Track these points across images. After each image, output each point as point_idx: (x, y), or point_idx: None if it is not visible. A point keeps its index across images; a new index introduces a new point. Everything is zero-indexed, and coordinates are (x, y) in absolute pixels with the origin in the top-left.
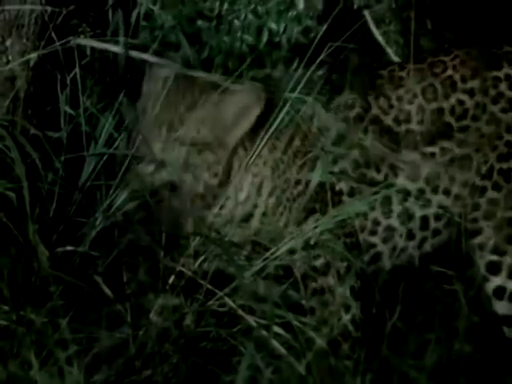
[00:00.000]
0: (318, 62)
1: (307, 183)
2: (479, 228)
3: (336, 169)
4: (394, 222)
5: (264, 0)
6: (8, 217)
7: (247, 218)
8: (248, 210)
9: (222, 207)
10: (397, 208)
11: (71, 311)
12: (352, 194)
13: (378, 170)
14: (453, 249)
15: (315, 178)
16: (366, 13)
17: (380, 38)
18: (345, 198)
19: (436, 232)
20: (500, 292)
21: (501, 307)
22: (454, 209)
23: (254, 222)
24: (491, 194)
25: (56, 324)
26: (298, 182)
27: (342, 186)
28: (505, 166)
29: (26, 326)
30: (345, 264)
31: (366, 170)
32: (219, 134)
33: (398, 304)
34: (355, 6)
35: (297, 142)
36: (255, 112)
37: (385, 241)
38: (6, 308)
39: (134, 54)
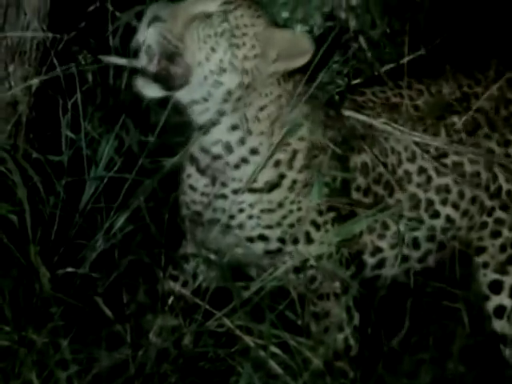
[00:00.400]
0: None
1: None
2: (484, 246)
3: (358, 163)
4: (402, 228)
5: (270, 4)
6: (10, 239)
7: (270, 187)
8: (274, 178)
9: (245, 161)
10: (406, 214)
11: (72, 332)
12: (367, 192)
13: (394, 172)
14: (447, 269)
15: (314, 200)
16: (361, 38)
17: (374, 62)
18: (360, 195)
19: (441, 246)
20: (500, 311)
21: (500, 326)
22: (461, 223)
23: (279, 193)
24: (499, 213)
25: (57, 344)
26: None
27: (361, 182)
28: None
29: (28, 347)
30: (347, 273)
31: (383, 170)
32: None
33: (403, 322)
34: (351, 30)
35: (331, 133)
36: (303, 58)
37: (392, 247)
38: (7, 329)
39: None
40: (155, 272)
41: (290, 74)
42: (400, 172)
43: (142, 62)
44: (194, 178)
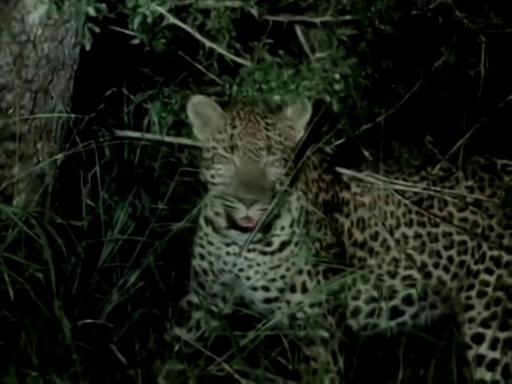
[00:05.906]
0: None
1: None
2: (472, 304)
3: (354, 219)
4: (398, 283)
5: (266, 80)
6: (37, 294)
7: (284, 246)
8: (289, 237)
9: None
10: (402, 272)
11: (90, 375)
12: (363, 246)
13: (392, 234)
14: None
15: (300, 263)
16: (343, 119)
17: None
18: (356, 249)
19: (432, 306)
20: (480, 359)
21: (479, 373)
22: (451, 285)
23: (289, 249)
24: (483, 276)
25: None
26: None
27: (357, 236)
28: (495, 253)
29: None
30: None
31: (380, 229)
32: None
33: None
34: (334, 112)
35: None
36: (305, 117)
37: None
38: (34, 373)
39: (149, 136)
40: (163, 323)
41: None
42: (397, 234)
43: None
44: (210, 236)
